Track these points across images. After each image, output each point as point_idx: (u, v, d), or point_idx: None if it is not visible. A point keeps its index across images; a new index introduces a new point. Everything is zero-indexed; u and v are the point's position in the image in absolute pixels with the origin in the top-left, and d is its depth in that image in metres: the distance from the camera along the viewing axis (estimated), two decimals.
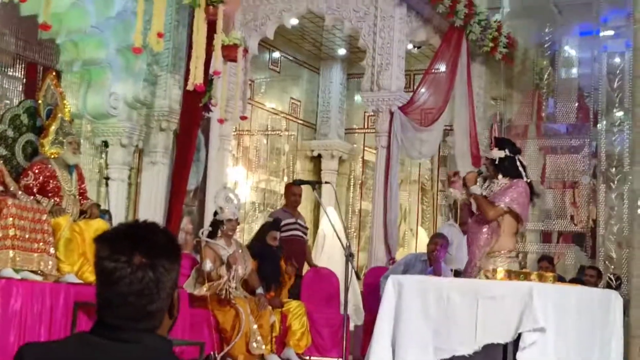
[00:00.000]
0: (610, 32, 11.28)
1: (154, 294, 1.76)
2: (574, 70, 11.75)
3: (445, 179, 6.04)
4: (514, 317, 4.82)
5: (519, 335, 4.80)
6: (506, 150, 5.75)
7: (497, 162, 5.73)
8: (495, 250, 5.59)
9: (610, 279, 9.80)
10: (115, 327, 1.76)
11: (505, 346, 5.01)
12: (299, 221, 9.36)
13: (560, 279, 7.28)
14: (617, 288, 9.25)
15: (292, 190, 9.45)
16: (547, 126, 11.76)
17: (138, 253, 1.75)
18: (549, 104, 11.79)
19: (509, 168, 5.74)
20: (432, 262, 8.09)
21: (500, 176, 5.73)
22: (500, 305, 4.93)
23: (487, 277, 5.43)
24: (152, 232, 1.82)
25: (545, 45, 11.84)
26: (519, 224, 5.71)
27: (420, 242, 12.57)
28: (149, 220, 1.86)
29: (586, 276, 9.64)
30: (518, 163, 5.76)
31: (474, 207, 5.79)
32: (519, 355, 4.75)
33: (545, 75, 11.80)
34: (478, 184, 5.77)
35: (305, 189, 10.25)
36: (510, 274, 5.28)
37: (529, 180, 5.75)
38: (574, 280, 9.26)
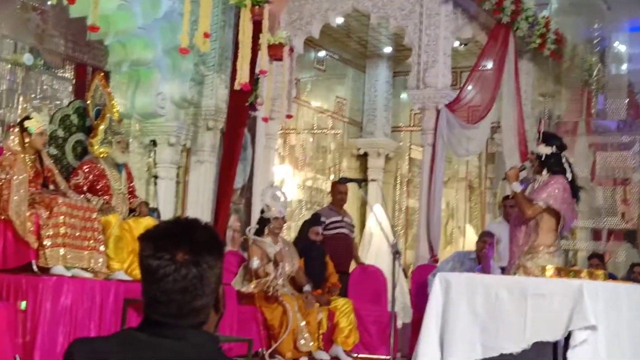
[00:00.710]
0: None
1: (198, 290, 1.76)
2: (624, 66, 11.57)
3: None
4: (564, 315, 4.75)
5: (569, 334, 4.72)
6: (554, 147, 5.67)
7: (543, 158, 5.66)
8: (533, 247, 5.53)
9: None
10: (161, 323, 1.76)
11: (555, 344, 4.94)
12: (345, 219, 9.35)
13: (611, 277, 7.17)
14: None
15: (338, 188, 9.44)
16: (597, 123, 11.58)
17: (181, 250, 1.75)
18: (598, 100, 11.62)
19: (554, 165, 5.66)
20: (480, 260, 8.03)
21: (544, 172, 5.66)
22: (550, 302, 4.86)
23: (527, 274, 5.35)
24: (195, 228, 1.82)
25: (595, 41, 11.67)
26: (559, 220, 5.61)
27: (468, 240, 12.48)
28: (191, 217, 1.86)
29: (634, 273, 9.51)
30: (564, 160, 5.68)
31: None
32: (569, 353, 4.68)
33: (595, 72, 11.63)
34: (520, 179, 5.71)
35: (352, 187, 10.24)
36: (560, 271, 5.21)
37: (570, 177, 5.65)
38: (623, 280, 9.12)
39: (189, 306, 1.76)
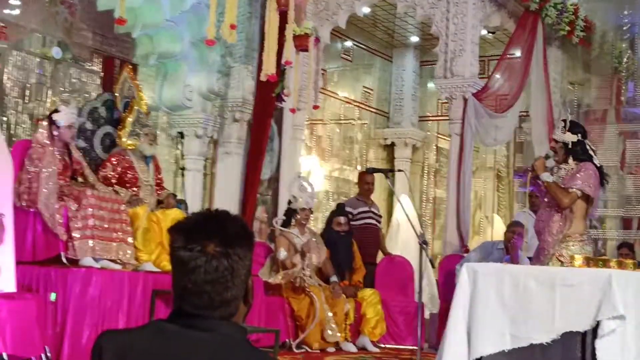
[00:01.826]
0: None
1: (229, 281, 1.77)
2: None
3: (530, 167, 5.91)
4: (593, 305, 4.71)
5: (598, 324, 4.69)
6: (578, 135, 5.66)
7: (570, 146, 5.63)
8: (568, 235, 5.53)
9: None
10: (192, 315, 1.77)
11: (583, 334, 4.90)
12: (372, 209, 9.34)
13: None
14: None
15: (365, 178, 9.43)
16: (627, 110, 11.44)
17: (212, 242, 1.76)
18: (628, 87, 11.48)
19: (581, 152, 5.66)
20: (509, 250, 7.98)
21: (570, 160, 5.64)
22: (579, 292, 4.82)
23: (563, 264, 5.33)
24: (225, 220, 1.83)
25: (624, 28, 11.51)
26: (589, 206, 5.65)
27: (496, 230, 12.42)
28: (221, 209, 1.87)
29: None
30: (588, 147, 5.67)
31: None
32: (597, 343, 4.64)
33: (625, 59, 11.48)
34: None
35: (379, 178, 10.21)
36: (589, 261, 5.16)
37: (599, 164, 5.66)
38: None
39: (219, 297, 1.77)
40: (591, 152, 5.66)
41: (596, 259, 5.20)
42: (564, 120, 5.74)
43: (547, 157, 5.79)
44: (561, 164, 5.70)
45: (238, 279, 1.79)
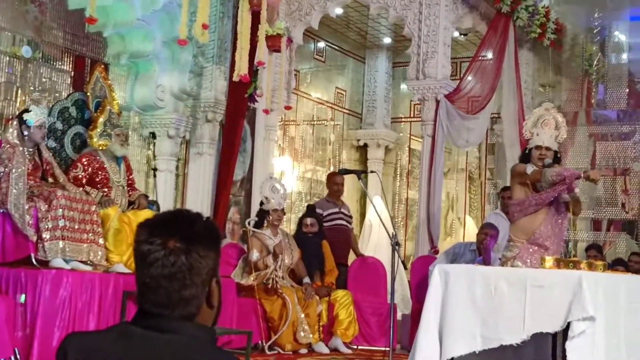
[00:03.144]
0: None
1: (187, 279, 1.76)
2: (624, 56, 11.53)
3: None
4: (563, 306, 4.75)
5: (568, 325, 4.73)
6: None
7: (559, 155, 5.74)
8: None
9: None
10: (153, 315, 1.76)
11: (554, 336, 4.95)
12: (342, 210, 9.31)
13: (610, 267, 7.24)
14: None
15: (334, 179, 9.42)
16: (597, 113, 11.56)
17: (173, 238, 1.76)
18: (598, 90, 11.60)
19: (559, 161, 5.79)
20: (481, 251, 8.03)
21: (556, 166, 5.74)
22: (549, 294, 4.86)
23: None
24: (192, 219, 1.82)
25: (595, 31, 11.63)
26: None
27: (468, 231, 12.49)
28: (194, 211, 1.86)
29: (631, 262, 9.53)
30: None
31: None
32: (568, 344, 4.68)
33: (595, 61, 11.59)
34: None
35: (352, 179, 10.23)
36: (559, 263, 5.21)
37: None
38: (617, 262, 9.16)
39: (177, 295, 1.75)
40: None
41: (566, 261, 5.25)
42: (558, 129, 5.75)
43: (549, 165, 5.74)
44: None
45: (198, 278, 1.77)
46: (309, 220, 8.46)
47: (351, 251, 9.62)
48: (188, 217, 1.83)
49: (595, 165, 11.33)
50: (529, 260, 5.60)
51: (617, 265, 8.88)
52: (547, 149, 5.67)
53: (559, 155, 5.79)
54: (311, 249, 8.37)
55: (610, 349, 4.77)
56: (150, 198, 8.12)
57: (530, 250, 5.69)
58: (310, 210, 8.69)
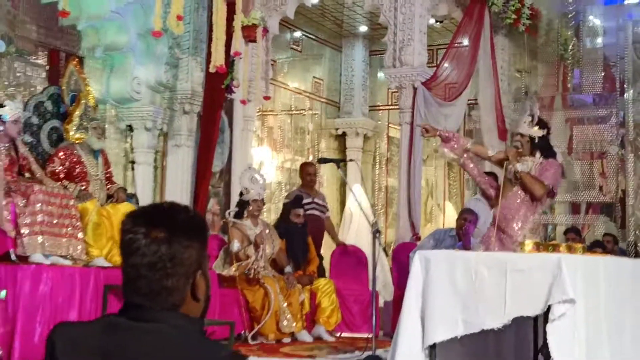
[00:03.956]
0: (635, 0, 11.09)
1: (169, 268, 1.75)
2: (599, 40, 11.58)
3: (424, 134, 6.23)
4: (543, 290, 4.77)
5: (549, 308, 4.75)
6: (545, 130, 5.81)
7: (536, 141, 5.76)
8: (535, 227, 5.76)
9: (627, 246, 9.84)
10: (138, 305, 1.76)
11: (535, 319, 4.97)
12: (315, 200, 9.27)
13: (622, 252, 7.35)
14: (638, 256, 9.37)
15: (306, 169, 9.40)
16: (574, 97, 11.62)
17: (157, 227, 1.76)
18: (574, 74, 11.65)
19: (545, 147, 5.81)
20: (460, 237, 8.06)
21: (538, 155, 5.77)
22: (529, 277, 4.88)
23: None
24: (176, 210, 1.82)
25: (569, 16, 11.67)
26: (547, 200, 5.97)
27: (448, 217, 12.53)
28: (182, 204, 1.86)
29: (605, 242, 9.69)
30: (550, 144, 5.89)
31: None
32: (548, 327, 4.70)
33: (570, 46, 11.64)
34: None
35: (331, 168, 10.22)
36: (539, 246, 5.23)
37: (561, 161, 5.92)
38: (595, 244, 9.26)
39: (158, 284, 1.75)
40: (556, 149, 5.91)
41: (546, 244, 5.28)
42: (532, 115, 5.81)
43: (515, 147, 5.89)
44: (524, 158, 5.83)
45: (180, 268, 1.76)
46: (300, 211, 8.46)
47: (328, 240, 9.62)
48: (174, 208, 1.83)
49: (572, 149, 11.39)
50: (486, 244, 5.75)
51: (595, 247, 8.96)
52: (521, 135, 5.80)
53: (537, 141, 5.81)
54: (299, 240, 8.37)
55: (591, 330, 4.80)
56: (129, 191, 8.09)
57: (490, 234, 5.78)
58: (298, 201, 8.68)
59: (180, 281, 1.78)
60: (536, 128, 5.79)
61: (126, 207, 6.66)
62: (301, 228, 8.44)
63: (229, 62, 8.27)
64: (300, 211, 8.47)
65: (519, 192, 5.79)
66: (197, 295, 1.82)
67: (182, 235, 1.78)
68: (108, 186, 7.06)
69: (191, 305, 1.81)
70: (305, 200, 9.08)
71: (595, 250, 8.34)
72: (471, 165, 6.11)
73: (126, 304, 1.79)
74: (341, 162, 7.74)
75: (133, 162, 8.84)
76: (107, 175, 7.14)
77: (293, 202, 8.65)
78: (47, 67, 8.34)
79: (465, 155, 6.03)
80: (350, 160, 9.17)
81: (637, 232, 10.52)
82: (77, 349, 1.75)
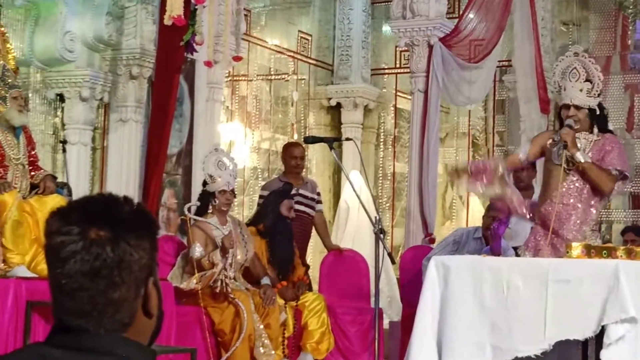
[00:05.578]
0: None
1: (115, 276, 1.74)
2: None
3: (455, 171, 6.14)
4: (596, 306, 4.80)
5: (603, 329, 4.78)
6: (600, 97, 5.84)
7: (597, 112, 5.78)
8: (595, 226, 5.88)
9: None
10: (73, 329, 1.74)
11: (584, 343, 5.00)
12: (301, 192, 9.19)
13: None
14: None
15: (291, 152, 9.34)
16: (635, 57, 11.66)
17: (96, 225, 1.74)
18: (636, 28, 11.68)
19: (603, 121, 5.84)
20: (488, 239, 8.07)
21: (595, 130, 5.78)
22: (577, 290, 4.91)
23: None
24: (116, 202, 1.81)
25: None
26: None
27: (472, 214, 12.56)
28: (115, 194, 1.85)
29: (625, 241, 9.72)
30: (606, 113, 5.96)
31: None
32: (603, 353, 4.74)
33: None
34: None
35: (322, 149, 10.22)
36: (590, 250, 5.26)
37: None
38: None
39: (103, 298, 1.74)
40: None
41: (599, 248, 5.30)
42: (590, 80, 5.77)
43: (569, 126, 5.83)
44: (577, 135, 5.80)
45: (129, 275, 1.76)
46: (292, 203, 8.46)
47: (317, 243, 9.63)
48: (112, 200, 1.82)
49: (633, 125, 11.43)
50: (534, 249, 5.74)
51: None
52: (577, 107, 5.72)
53: (599, 113, 5.81)
54: (284, 240, 8.35)
55: None
56: (59, 179, 8.08)
57: (538, 236, 5.78)
58: (289, 190, 8.65)
59: (130, 291, 1.77)
60: (594, 97, 5.78)
61: (55, 200, 6.64)
62: (289, 225, 8.43)
63: (189, 12, 8.25)
64: (292, 203, 8.47)
65: (576, 182, 5.76)
66: (150, 309, 1.82)
67: (128, 232, 1.77)
68: (32, 173, 7.04)
69: (142, 322, 1.81)
70: None
71: None
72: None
73: (58, 326, 1.77)
74: (335, 141, 7.75)
75: (64, 142, 8.83)
76: (31, 159, 7.13)
77: (283, 193, 8.61)
78: None
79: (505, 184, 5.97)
80: (347, 139, 9.12)
81: None
82: None
